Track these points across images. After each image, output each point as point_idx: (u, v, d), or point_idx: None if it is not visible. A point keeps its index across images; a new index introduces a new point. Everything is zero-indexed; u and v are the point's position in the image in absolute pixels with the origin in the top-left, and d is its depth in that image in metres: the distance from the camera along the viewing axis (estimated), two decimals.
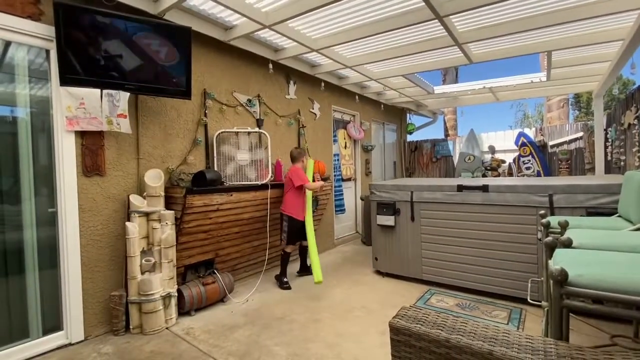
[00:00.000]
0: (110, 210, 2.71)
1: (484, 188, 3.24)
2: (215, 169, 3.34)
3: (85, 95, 2.50)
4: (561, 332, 1.18)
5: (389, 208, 3.80)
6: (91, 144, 2.59)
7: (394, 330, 1.23)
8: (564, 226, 1.87)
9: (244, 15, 2.89)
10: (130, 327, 2.64)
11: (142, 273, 2.69)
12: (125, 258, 2.70)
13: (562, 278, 1.10)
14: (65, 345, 2.47)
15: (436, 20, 2.99)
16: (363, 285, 3.66)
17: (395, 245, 3.82)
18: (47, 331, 2.45)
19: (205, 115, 3.39)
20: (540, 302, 2.16)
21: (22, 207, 2.37)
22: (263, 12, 2.99)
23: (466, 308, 3.01)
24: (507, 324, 2.67)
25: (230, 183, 3.32)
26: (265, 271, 3.92)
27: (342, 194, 5.55)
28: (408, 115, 7.98)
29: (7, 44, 2.29)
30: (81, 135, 2.54)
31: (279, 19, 2.95)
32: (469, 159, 7.08)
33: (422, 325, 1.19)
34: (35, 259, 2.42)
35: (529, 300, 2.23)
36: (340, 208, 5.49)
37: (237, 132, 3.50)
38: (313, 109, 4.92)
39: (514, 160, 6.83)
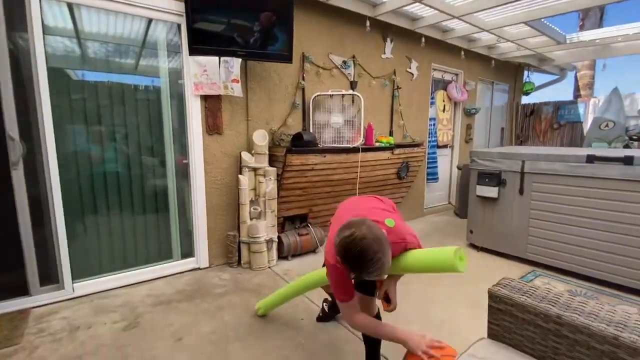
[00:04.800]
0: (226, 164, 3.17)
1: (627, 160, 2.62)
2: (311, 130, 3.52)
3: (207, 63, 2.87)
4: None
5: (493, 178, 3.43)
6: (212, 107, 3.01)
7: (494, 297, 1.18)
8: None
9: None
10: (242, 262, 3.17)
11: (251, 219, 3.13)
12: (237, 205, 3.17)
13: None
14: (196, 269, 3.12)
15: None
16: None
17: (496, 219, 3.48)
18: (184, 255, 3.13)
19: (303, 78, 3.53)
20: None
21: (165, 158, 2.97)
22: None
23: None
24: None
25: (324, 145, 3.46)
26: None
27: (435, 162, 5.22)
28: (526, 72, 6.74)
29: (149, 21, 2.75)
30: (204, 99, 2.97)
31: None
32: (607, 125, 5.70)
33: (528, 297, 1.11)
34: (175, 200, 3.05)
35: None
36: (433, 176, 5.20)
37: (332, 94, 3.56)
38: (410, 68, 4.60)
39: None
